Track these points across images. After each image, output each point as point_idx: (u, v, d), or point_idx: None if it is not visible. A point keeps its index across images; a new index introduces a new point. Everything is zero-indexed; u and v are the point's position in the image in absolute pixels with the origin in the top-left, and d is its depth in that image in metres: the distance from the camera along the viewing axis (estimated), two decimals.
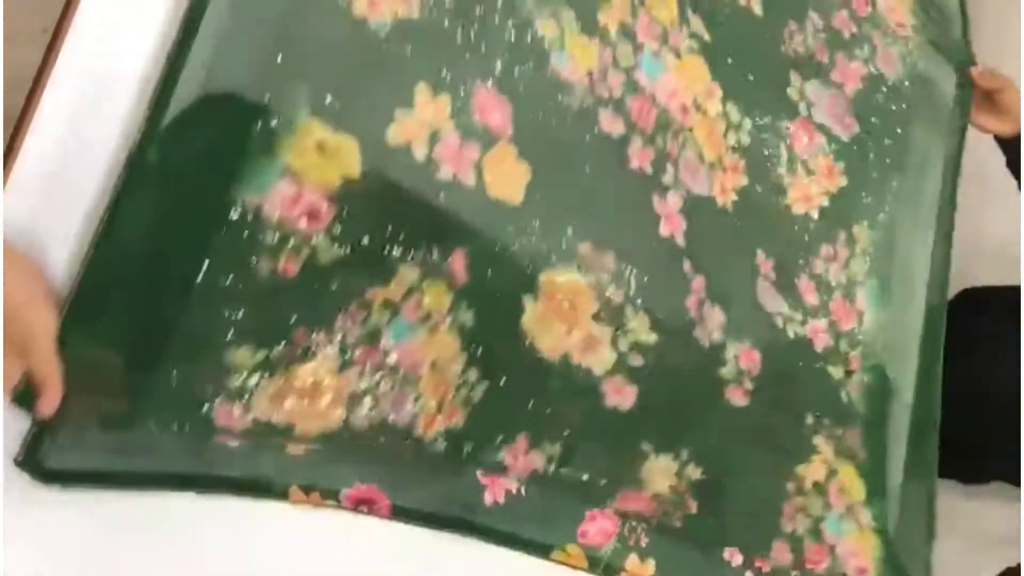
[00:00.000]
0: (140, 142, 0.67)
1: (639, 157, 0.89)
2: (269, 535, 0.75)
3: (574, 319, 0.83)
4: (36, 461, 0.66)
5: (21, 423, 0.66)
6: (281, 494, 0.76)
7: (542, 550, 0.85)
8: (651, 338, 0.86)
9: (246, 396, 0.71)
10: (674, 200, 0.90)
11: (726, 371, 0.91)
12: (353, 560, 0.79)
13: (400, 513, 0.80)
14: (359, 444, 0.76)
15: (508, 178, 0.81)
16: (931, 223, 1.10)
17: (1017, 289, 1.17)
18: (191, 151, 0.68)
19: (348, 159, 0.73)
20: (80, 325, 0.64)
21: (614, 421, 0.85)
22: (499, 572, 0.83)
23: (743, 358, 0.92)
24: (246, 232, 0.70)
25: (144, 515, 0.70)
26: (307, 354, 0.74)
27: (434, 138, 0.77)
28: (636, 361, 0.86)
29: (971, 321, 1.21)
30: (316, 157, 0.72)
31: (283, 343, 0.72)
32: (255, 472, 0.75)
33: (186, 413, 0.70)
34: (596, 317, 0.84)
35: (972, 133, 1.15)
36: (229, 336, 0.70)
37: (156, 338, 0.68)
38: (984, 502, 1.35)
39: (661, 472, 0.87)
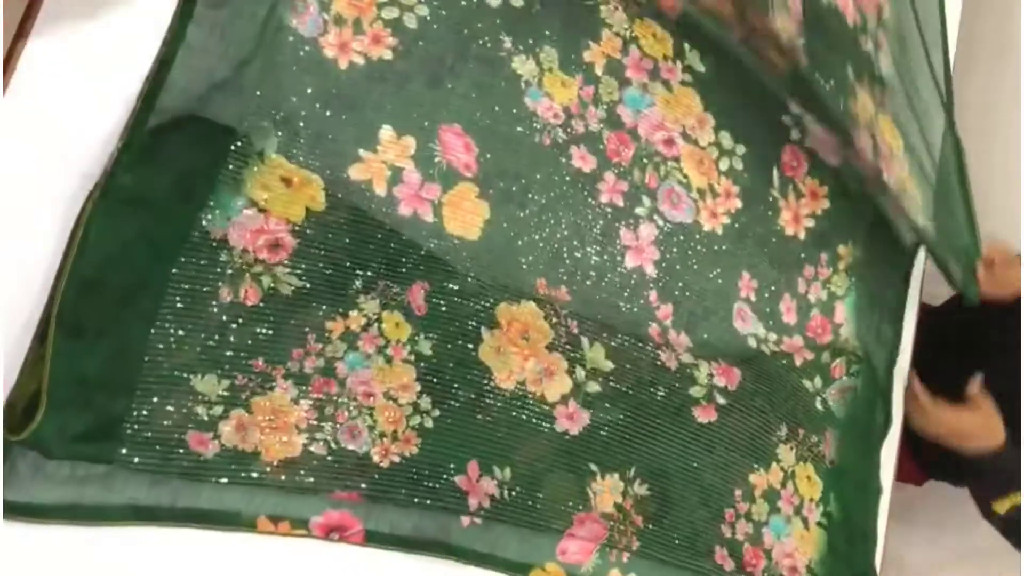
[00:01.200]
0: (114, 163, 0.68)
1: (610, 191, 0.91)
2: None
3: (530, 349, 0.85)
4: None
5: None
6: (249, 525, 0.75)
7: (520, 570, 0.84)
8: (607, 365, 0.87)
9: (214, 426, 0.73)
10: (647, 231, 0.92)
11: (696, 390, 0.92)
12: None
13: (374, 539, 0.79)
14: (322, 469, 0.77)
15: (466, 216, 0.83)
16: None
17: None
18: (162, 176, 0.70)
19: (313, 193, 0.76)
20: (55, 346, 0.65)
21: (562, 444, 0.86)
22: None
23: (719, 375, 0.92)
24: (210, 258, 0.72)
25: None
26: (266, 384, 0.75)
27: (395, 177, 0.80)
28: (592, 388, 0.87)
29: (965, 323, 1.22)
30: (282, 190, 0.74)
31: (244, 373, 0.74)
32: (221, 504, 0.74)
33: (154, 440, 0.70)
34: (551, 347, 0.85)
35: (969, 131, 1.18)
36: (194, 363, 0.72)
37: (124, 362, 0.69)
38: None
39: (608, 491, 0.87)
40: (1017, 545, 1.09)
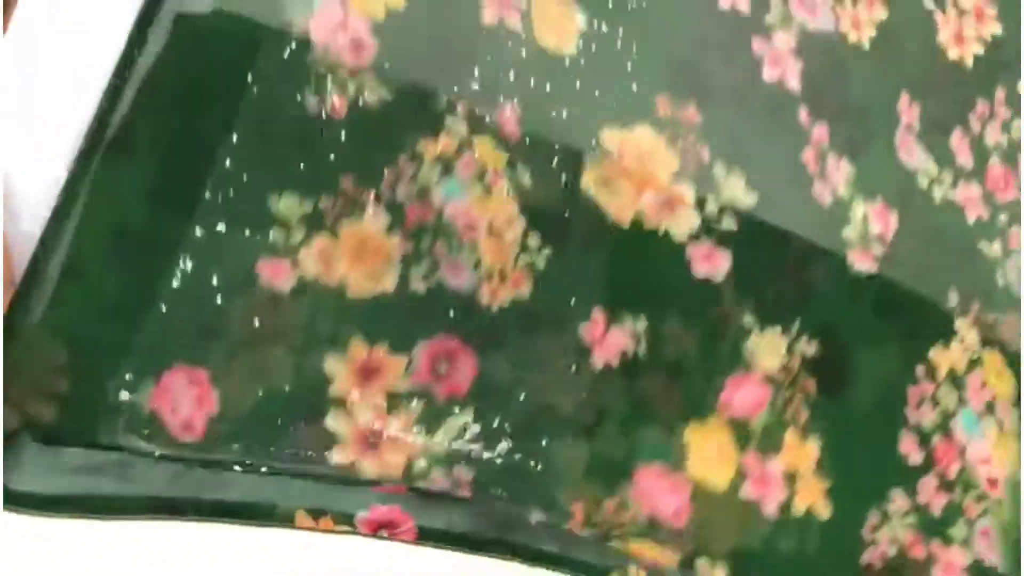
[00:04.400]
0: None
1: None
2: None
3: (647, 179, 0.73)
4: None
5: None
6: (286, 520, 0.66)
7: (601, 572, 0.73)
8: (750, 199, 0.76)
9: (293, 252, 0.65)
10: (783, 39, 0.79)
11: (850, 231, 0.78)
12: None
13: (428, 536, 0.69)
14: (417, 311, 0.68)
15: (557, 25, 0.73)
16: None
17: None
18: None
19: None
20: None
21: (706, 293, 0.75)
22: None
23: (875, 218, 0.80)
24: (294, 57, 0.65)
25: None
26: (355, 208, 0.67)
27: None
28: (728, 224, 0.75)
29: None
30: None
31: (331, 193, 0.66)
32: (255, 496, 0.66)
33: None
34: (677, 176, 0.75)
35: None
36: (274, 180, 0.64)
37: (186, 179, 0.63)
38: None
39: (768, 349, 0.77)
40: None
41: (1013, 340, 0.85)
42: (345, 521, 0.67)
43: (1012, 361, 0.85)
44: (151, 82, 0.63)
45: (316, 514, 0.67)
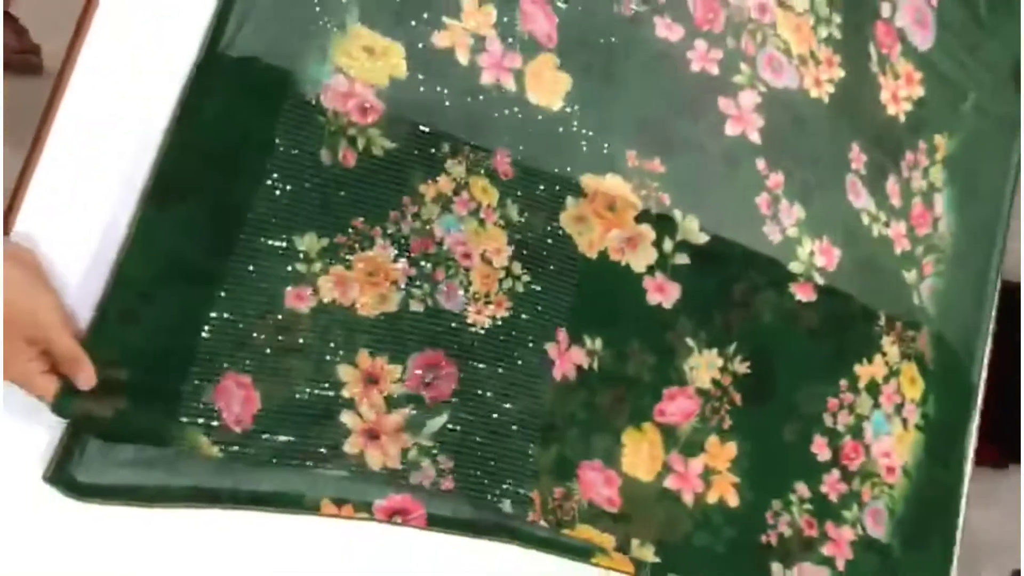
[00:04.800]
0: (211, 38, 0.71)
1: (702, 60, 0.87)
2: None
3: (615, 220, 0.83)
4: (68, 476, 0.66)
5: (46, 440, 0.66)
6: (313, 508, 0.74)
7: (583, 554, 0.82)
8: (702, 238, 0.85)
9: (312, 280, 0.74)
10: (747, 98, 0.89)
11: (796, 266, 0.89)
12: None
13: (436, 523, 0.78)
14: (415, 328, 0.77)
15: (548, 86, 0.82)
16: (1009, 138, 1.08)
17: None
18: (256, 46, 0.72)
19: (395, 62, 0.77)
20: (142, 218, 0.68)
21: (656, 317, 0.84)
22: None
23: (820, 253, 0.90)
24: (308, 120, 0.74)
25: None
26: (365, 243, 0.76)
27: (478, 46, 0.80)
28: (680, 260, 0.85)
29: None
30: (364, 58, 0.76)
31: (344, 232, 0.75)
32: (286, 486, 0.73)
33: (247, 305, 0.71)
34: (639, 219, 0.84)
35: None
36: (295, 223, 0.73)
37: (223, 225, 0.71)
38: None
39: (705, 366, 0.86)
40: None
41: (926, 352, 0.98)
42: (364, 508, 0.75)
43: (923, 371, 0.97)
44: (201, 138, 0.70)
45: (339, 502, 0.74)
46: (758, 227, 0.88)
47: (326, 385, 0.73)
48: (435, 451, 0.76)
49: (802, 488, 0.89)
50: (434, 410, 0.77)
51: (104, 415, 0.65)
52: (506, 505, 0.78)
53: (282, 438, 0.71)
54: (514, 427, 0.80)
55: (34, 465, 0.65)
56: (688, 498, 0.84)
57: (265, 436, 0.70)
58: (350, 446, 0.73)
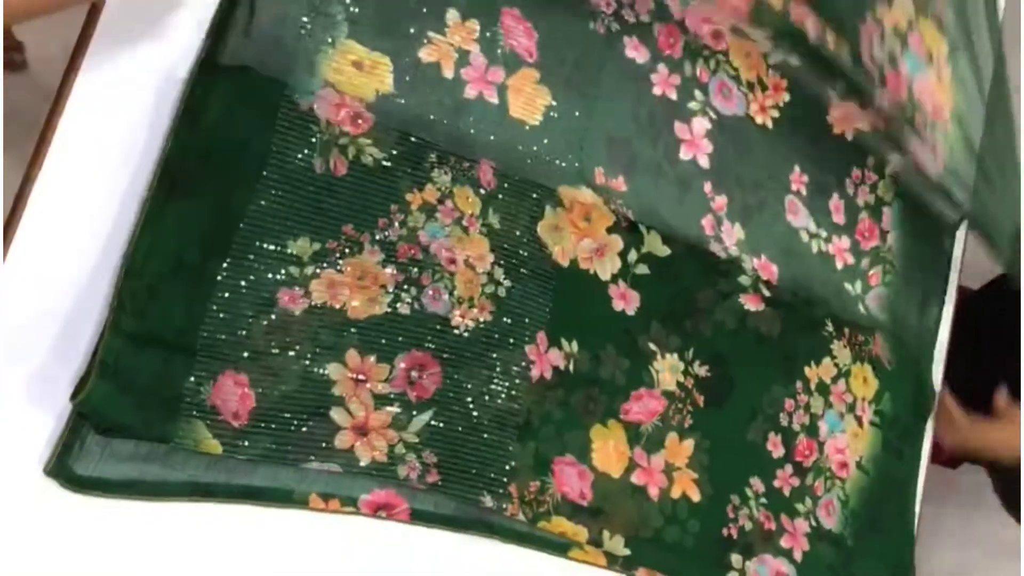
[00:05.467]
0: (209, 48, 0.74)
1: (663, 84, 0.92)
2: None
3: (589, 230, 0.88)
4: (67, 469, 0.68)
5: (45, 433, 0.67)
6: (301, 502, 0.76)
7: (559, 548, 0.86)
8: (664, 251, 0.91)
9: (305, 282, 0.76)
10: (699, 124, 0.94)
11: (744, 279, 0.95)
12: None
13: (419, 517, 0.81)
14: (403, 330, 0.80)
15: (528, 100, 0.86)
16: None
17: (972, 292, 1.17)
18: (252, 58, 0.75)
19: (381, 76, 0.80)
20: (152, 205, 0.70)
21: (622, 323, 0.89)
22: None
23: (761, 269, 0.95)
24: (302, 129, 0.77)
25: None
26: (355, 248, 0.79)
27: (463, 60, 0.83)
28: (641, 270, 0.90)
29: (1004, 307, 1.19)
30: (353, 73, 0.79)
31: (335, 238, 0.78)
32: (275, 481, 0.76)
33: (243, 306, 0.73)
34: (610, 230, 0.89)
35: None
36: (289, 228, 0.76)
37: (224, 223, 0.74)
38: None
39: (669, 370, 0.90)
40: None
41: (882, 354, 1.03)
42: (350, 503, 0.78)
43: (878, 371, 1.03)
44: (201, 141, 0.72)
45: (326, 497, 0.77)
46: (705, 245, 0.93)
47: (317, 383, 0.76)
48: (420, 447, 0.79)
49: (757, 483, 0.93)
50: (419, 407, 0.79)
51: (112, 404, 0.67)
52: (487, 499, 0.81)
53: (277, 434, 0.73)
54: (494, 425, 0.82)
55: (35, 458, 0.67)
56: (654, 492, 0.88)
57: (261, 432, 0.73)
58: (340, 442, 0.76)
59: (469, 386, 0.82)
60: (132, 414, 0.68)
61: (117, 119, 0.72)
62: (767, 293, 0.95)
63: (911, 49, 0.97)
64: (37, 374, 0.67)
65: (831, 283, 1.01)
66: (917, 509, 1.05)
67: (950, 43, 1.02)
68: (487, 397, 0.83)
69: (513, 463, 0.83)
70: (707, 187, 0.93)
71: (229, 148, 0.74)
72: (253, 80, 0.75)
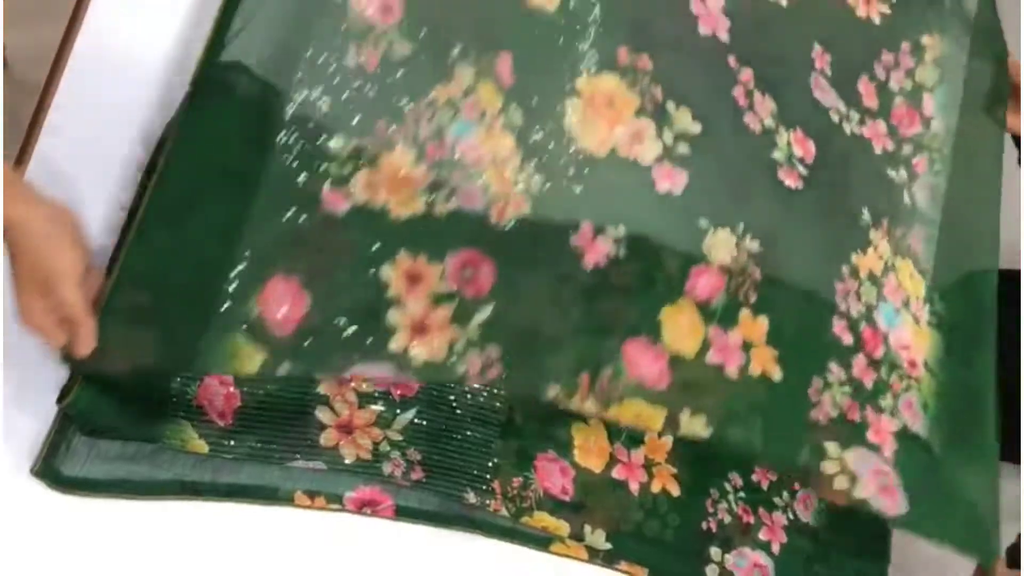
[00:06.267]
0: None
1: None
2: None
3: (616, 116, 0.87)
4: (54, 470, 0.68)
5: (34, 433, 0.68)
6: (287, 500, 0.77)
7: (542, 543, 0.87)
8: (695, 128, 0.88)
9: (347, 181, 0.76)
10: (714, 1, 0.92)
11: (778, 154, 0.91)
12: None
13: (404, 513, 0.81)
14: (446, 225, 0.79)
15: None
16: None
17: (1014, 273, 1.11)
18: None
19: None
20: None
21: (668, 203, 0.86)
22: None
23: (796, 144, 0.92)
24: (338, 18, 0.78)
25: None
26: (388, 145, 0.78)
27: None
28: (682, 149, 0.88)
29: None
30: None
31: (369, 134, 0.78)
32: (261, 479, 0.77)
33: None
34: (638, 112, 0.87)
35: None
36: (328, 122, 0.76)
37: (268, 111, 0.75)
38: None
39: (722, 245, 0.87)
40: None
41: (919, 250, 0.97)
42: (336, 500, 0.78)
43: (920, 269, 0.96)
44: (240, 52, 0.73)
45: (312, 494, 0.77)
46: (740, 118, 0.90)
47: (370, 288, 0.76)
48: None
49: (836, 368, 0.89)
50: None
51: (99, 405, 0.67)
52: (470, 495, 0.81)
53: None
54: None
55: (21, 459, 0.67)
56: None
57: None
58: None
59: (523, 282, 0.81)
60: (118, 415, 0.68)
61: (104, 112, 0.73)
62: (803, 171, 0.92)
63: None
64: (23, 375, 0.67)
65: (870, 169, 0.96)
66: (996, 423, 0.96)
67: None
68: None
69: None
70: (731, 60, 0.91)
71: (267, 53, 0.75)
72: None
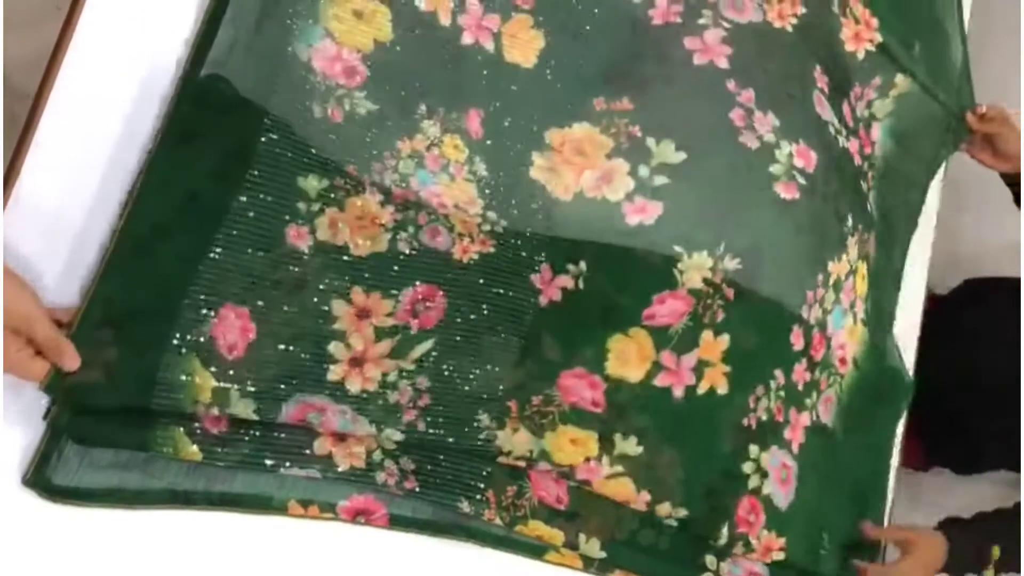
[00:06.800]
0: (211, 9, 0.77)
1: (663, 15, 0.94)
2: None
3: (585, 163, 0.89)
4: (45, 479, 0.68)
5: (25, 442, 0.67)
6: (280, 509, 0.77)
7: (536, 552, 0.87)
8: (678, 157, 0.89)
9: (312, 219, 0.78)
10: (712, 35, 0.94)
11: (776, 167, 0.92)
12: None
13: (397, 522, 0.81)
14: (408, 263, 0.82)
15: (523, 45, 0.89)
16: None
17: (1018, 280, 1.19)
18: (254, 10, 0.79)
19: (380, 24, 0.84)
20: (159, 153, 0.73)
21: (638, 234, 0.87)
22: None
23: (798, 156, 0.94)
24: (301, 79, 0.80)
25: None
26: (357, 188, 0.81)
27: (459, 8, 0.87)
28: (659, 181, 0.89)
29: (971, 311, 1.24)
30: (352, 22, 0.83)
31: (340, 176, 0.80)
32: (255, 488, 0.76)
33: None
34: (610, 154, 0.89)
35: None
36: (298, 165, 0.78)
37: (237, 158, 0.76)
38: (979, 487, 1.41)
39: (695, 269, 0.87)
40: None
41: (871, 252, 1.04)
42: (329, 509, 0.78)
43: (869, 269, 1.04)
44: (208, 90, 0.75)
45: (305, 503, 0.77)
46: (734, 138, 0.92)
47: (321, 319, 0.77)
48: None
49: (780, 375, 0.92)
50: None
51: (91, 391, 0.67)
52: (464, 505, 0.81)
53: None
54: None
55: (13, 469, 0.67)
56: (678, 393, 0.87)
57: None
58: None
59: (472, 316, 0.83)
60: (109, 423, 0.68)
61: (98, 116, 0.73)
62: (802, 181, 0.93)
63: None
64: (14, 383, 0.66)
65: (853, 177, 1.01)
66: (904, 407, 1.09)
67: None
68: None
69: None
70: (731, 84, 0.92)
71: (231, 95, 0.76)
72: (258, 36, 0.78)
